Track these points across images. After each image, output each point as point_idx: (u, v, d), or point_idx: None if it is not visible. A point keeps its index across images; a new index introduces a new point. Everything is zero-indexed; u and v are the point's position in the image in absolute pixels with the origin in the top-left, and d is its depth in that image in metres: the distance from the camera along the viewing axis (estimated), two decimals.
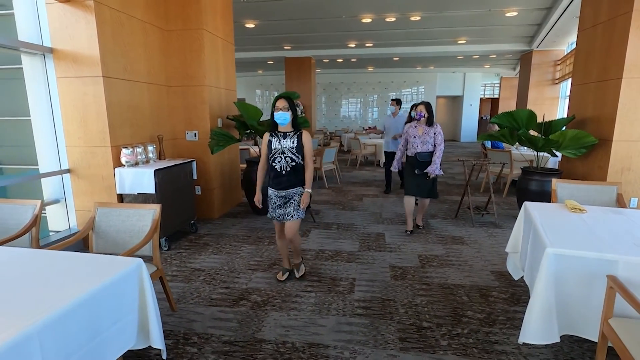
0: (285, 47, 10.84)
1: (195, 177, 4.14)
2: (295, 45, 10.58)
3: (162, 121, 4.26)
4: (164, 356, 1.88)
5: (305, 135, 2.63)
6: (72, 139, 3.46)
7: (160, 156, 3.97)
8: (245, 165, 4.91)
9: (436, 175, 3.74)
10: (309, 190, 2.65)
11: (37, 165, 3.61)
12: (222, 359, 1.98)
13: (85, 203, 3.57)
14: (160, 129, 4.16)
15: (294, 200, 2.64)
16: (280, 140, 2.60)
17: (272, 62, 12.77)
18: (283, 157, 2.58)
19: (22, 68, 3.46)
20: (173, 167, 3.69)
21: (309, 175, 2.65)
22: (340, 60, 12.68)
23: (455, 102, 17.17)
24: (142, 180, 3.39)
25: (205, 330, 2.24)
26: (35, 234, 2.35)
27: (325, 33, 8.98)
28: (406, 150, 3.95)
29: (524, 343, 2.00)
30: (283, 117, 2.56)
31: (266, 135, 2.67)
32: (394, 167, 4.09)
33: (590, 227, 2.07)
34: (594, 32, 4.07)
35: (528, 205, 2.55)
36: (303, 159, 2.63)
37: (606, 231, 1.99)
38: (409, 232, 4.01)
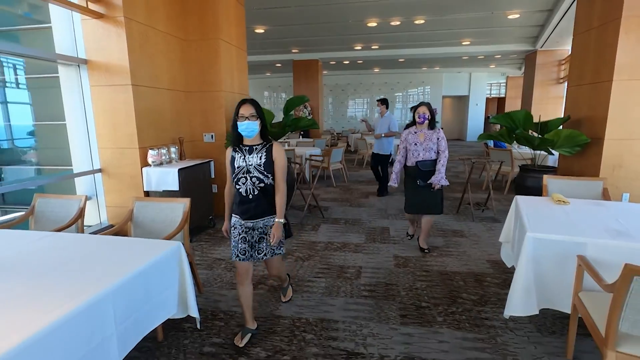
0: (293, 50, 11.16)
1: (212, 175, 4.48)
2: (303, 49, 10.90)
3: (182, 124, 4.60)
4: (199, 325, 2.20)
5: (277, 149, 2.06)
6: (103, 142, 3.81)
7: (182, 157, 4.31)
8: None
9: (442, 186, 3.34)
10: (281, 220, 2.05)
11: (71, 165, 3.97)
12: None
13: (115, 200, 3.92)
14: (180, 132, 4.50)
15: (267, 235, 2.10)
16: (244, 157, 2.04)
17: (280, 65, 13.11)
18: (248, 178, 2.02)
19: (58, 77, 3.82)
20: (194, 166, 4.03)
21: (279, 200, 2.06)
22: (347, 62, 12.95)
23: (461, 101, 17.32)
24: (167, 178, 3.72)
25: (229, 309, 2.56)
26: (80, 224, 2.70)
27: (332, 36, 9.28)
28: (405, 160, 3.50)
29: (510, 317, 2.28)
30: (250, 129, 1.98)
31: (228, 151, 2.12)
32: (393, 182, 3.54)
33: (569, 216, 2.34)
34: (587, 36, 4.30)
35: (518, 198, 2.81)
36: (274, 179, 2.07)
37: (582, 219, 2.26)
38: (410, 236, 3.85)
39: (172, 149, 4.09)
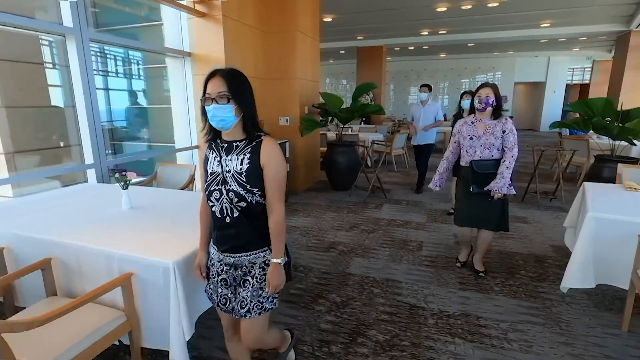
0: (359, 37, 11.33)
1: (287, 155, 5.00)
2: (368, 35, 11.02)
3: (262, 109, 5.16)
4: None
5: (268, 148, 1.33)
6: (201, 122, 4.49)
7: None
8: (325, 148, 5.68)
9: (505, 195, 2.52)
10: (279, 261, 1.36)
11: (174, 143, 4.74)
12: (323, 282, 2.75)
13: None
14: (261, 115, 5.04)
15: (253, 277, 1.39)
16: (221, 158, 1.36)
17: (343, 52, 13.37)
18: (224, 192, 1.33)
19: (165, 67, 4.56)
20: None
21: (275, 228, 1.36)
22: (412, 47, 12.77)
23: (536, 89, 16.07)
24: None
25: (307, 264, 3.04)
26: (191, 187, 3.35)
27: (398, 23, 9.29)
28: (456, 159, 2.81)
29: (567, 293, 2.44)
30: (218, 117, 1.28)
31: (203, 147, 1.45)
32: (434, 184, 2.86)
33: (637, 200, 2.39)
34: None
35: (587, 184, 2.86)
36: (265, 195, 1.36)
37: None
38: (459, 264, 2.95)
39: None
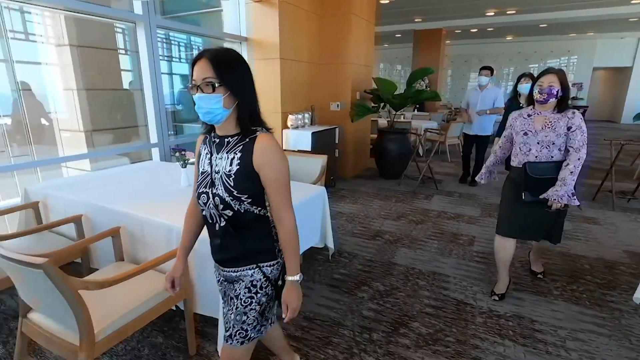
0: (416, 20, 10.80)
1: (337, 141, 4.99)
2: (427, 17, 10.46)
3: (314, 93, 5.18)
4: (330, 257, 2.74)
5: (263, 146, 1.10)
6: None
7: (312, 122, 4.92)
8: (376, 135, 5.57)
9: (565, 206, 2.10)
10: (295, 278, 1.17)
11: None
12: (366, 269, 2.74)
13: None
14: (312, 100, 5.09)
15: (238, 298, 1.20)
16: (211, 155, 1.17)
17: (399, 35, 12.85)
18: (210, 196, 1.15)
19: None
20: (323, 131, 4.59)
21: (287, 240, 1.17)
22: (475, 30, 11.91)
23: (620, 74, 14.23)
24: (302, 139, 4.36)
25: (352, 250, 3.05)
26: None
27: (461, 3, 8.68)
28: (506, 156, 2.44)
29: None
30: (204, 109, 1.06)
31: (199, 141, 1.24)
32: (480, 177, 2.54)
33: None
34: None
35: None
36: (257, 203, 1.16)
37: None
38: (497, 297, 2.35)
39: (306, 115, 4.70)
